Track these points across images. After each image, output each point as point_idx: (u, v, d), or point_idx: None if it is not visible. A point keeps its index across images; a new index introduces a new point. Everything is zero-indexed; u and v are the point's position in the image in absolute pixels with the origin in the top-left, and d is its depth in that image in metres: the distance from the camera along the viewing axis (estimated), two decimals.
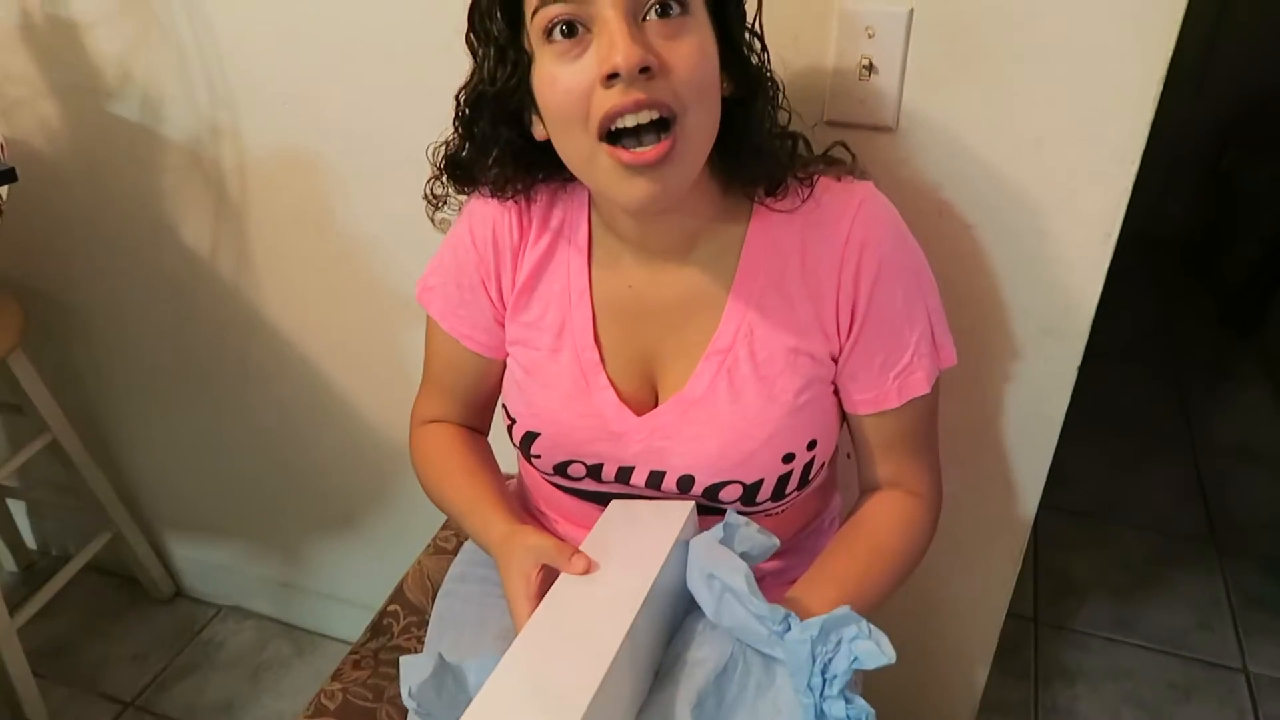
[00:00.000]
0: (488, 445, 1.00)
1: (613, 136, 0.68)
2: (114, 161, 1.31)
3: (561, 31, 0.67)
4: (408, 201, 0.90)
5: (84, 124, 1.29)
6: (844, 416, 0.87)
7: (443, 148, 0.84)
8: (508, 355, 0.90)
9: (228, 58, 1.17)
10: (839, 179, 0.81)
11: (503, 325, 0.89)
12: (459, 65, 1.01)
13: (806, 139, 0.83)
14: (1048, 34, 0.86)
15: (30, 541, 1.88)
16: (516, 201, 0.84)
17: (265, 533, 1.67)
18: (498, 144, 0.78)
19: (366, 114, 1.15)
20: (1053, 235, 0.94)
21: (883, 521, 0.87)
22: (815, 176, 0.79)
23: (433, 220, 0.89)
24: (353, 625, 1.66)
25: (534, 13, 0.68)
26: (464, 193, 0.86)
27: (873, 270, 0.78)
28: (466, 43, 0.76)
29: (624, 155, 0.68)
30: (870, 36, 0.91)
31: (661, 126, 0.67)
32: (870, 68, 0.92)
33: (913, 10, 0.89)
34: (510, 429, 0.89)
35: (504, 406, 0.91)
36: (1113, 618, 1.78)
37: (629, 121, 0.67)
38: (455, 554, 1.18)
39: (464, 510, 0.90)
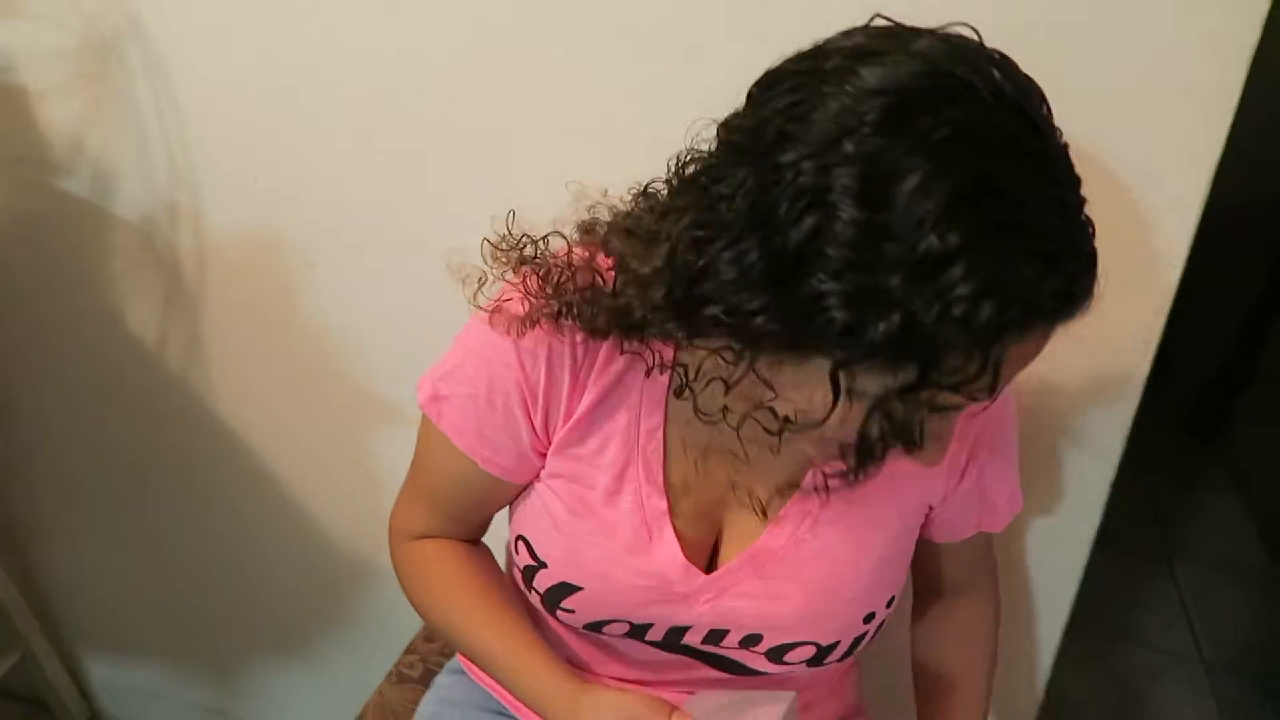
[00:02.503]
0: (493, 560, 0.86)
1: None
2: (58, 240, 1.20)
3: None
4: (383, 293, 0.80)
5: (26, 200, 1.19)
6: None
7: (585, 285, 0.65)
8: (536, 481, 0.76)
9: (193, 134, 1.08)
10: None
11: (541, 455, 0.74)
12: (446, 149, 0.94)
13: None
14: (1096, 131, 0.81)
15: None
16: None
17: (196, 653, 1.52)
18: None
19: (343, 200, 1.06)
20: (1096, 340, 0.89)
21: (979, 638, 0.89)
22: None
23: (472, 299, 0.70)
24: None
25: (928, 388, 0.52)
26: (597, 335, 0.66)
27: (994, 422, 0.75)
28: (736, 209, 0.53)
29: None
30: None
31: None
32: None
33: None
34: (530, 571, 0.75)
35: (524, 541, 0.76)
36: None
37: None
38: (420, 683, 1.06)
39: (498, 654, 0.75)
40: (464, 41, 0.93)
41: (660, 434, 0.71)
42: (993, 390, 0.52)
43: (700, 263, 0.53)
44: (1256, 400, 2.53)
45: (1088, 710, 1.77)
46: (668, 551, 0.72)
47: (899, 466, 0.67)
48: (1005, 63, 0.52)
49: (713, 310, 0.53)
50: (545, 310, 0.65)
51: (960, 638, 0.88)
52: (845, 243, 0.48)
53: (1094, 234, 0.53)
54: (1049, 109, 0.53)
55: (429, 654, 1.12)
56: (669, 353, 0.66)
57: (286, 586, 1.38)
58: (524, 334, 0.67)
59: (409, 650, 1.13)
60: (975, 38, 0.53)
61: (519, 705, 0.84)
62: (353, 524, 1.29)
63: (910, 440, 0.57)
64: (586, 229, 0.65)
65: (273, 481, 1.29)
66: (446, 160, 1.01)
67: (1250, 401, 2.57)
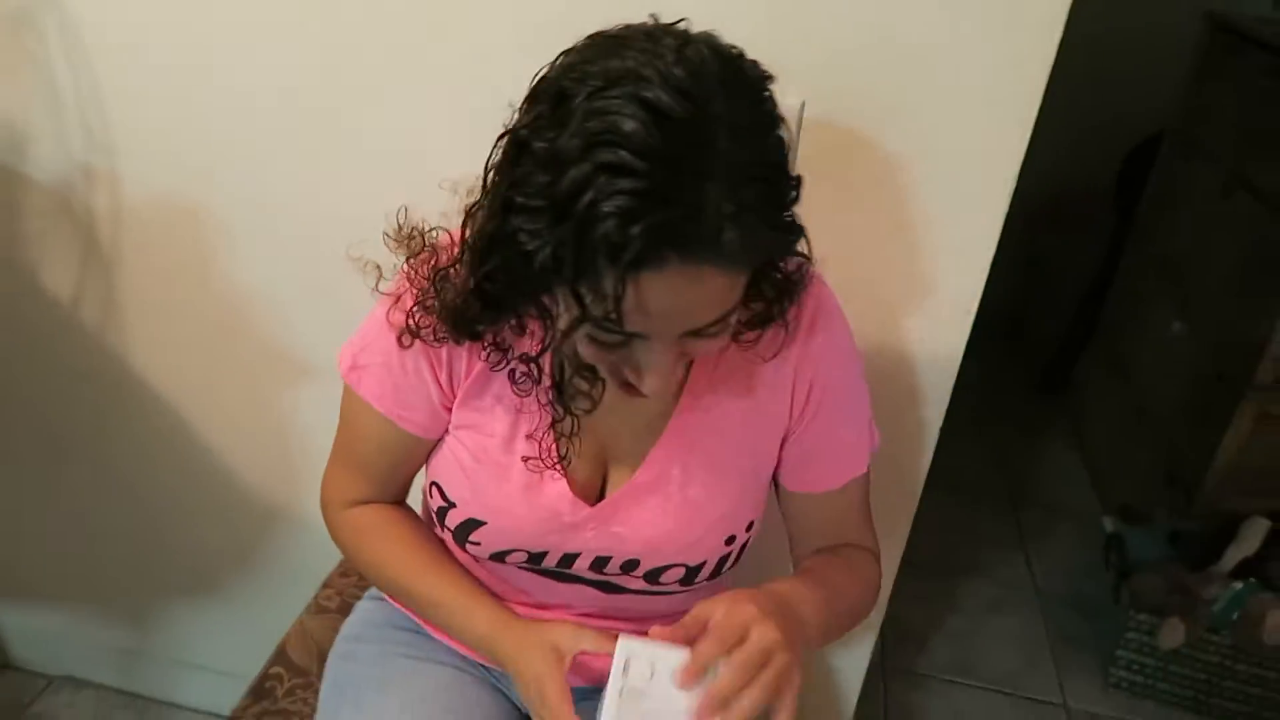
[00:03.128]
0: (420, 521, 0.96)
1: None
2: None
3: (606, 342, 0.67)
4: (298, 261, 0.87)
5: None
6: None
7: (426, 289, 0.76)
8: (445, 435, 0.87)
9: (109, 101, 1.14)
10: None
11: (448, 410, 0.85)
12: (359, 117, 1.01)
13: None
14: (917, 132, 0.97)
15: None
16: None
17: (109, 597, 1.57)
18: (505, 313, 0.73)
19: (261, 171, 1.14)
20: (921, 307, 1.05)
21: (852, 559, 0.92)
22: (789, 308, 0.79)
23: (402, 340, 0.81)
24: (204, 692, 1.60)
25: (584, 319, 0.63)
26: (457, 343, 0.79)
27: (832, 353, 0.84)
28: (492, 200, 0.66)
29: (636, 395, 0.71)
30: None
31: None
32: None
33: (804, 103, 0.97)
34: (442, 511, 0.87)
35: (436, 486, 0.88)
36: (952, 662, 1.92)
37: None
38: (338, 613, 1.16)
39: (445, 607, 0.88)
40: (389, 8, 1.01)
41: (546, 389, 0.83)
42: (648, 324, 0.63)
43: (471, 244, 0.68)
44: (1092, 362, 2.81)
45: (930, 638, 1.97)
46: (556, 488, 0.83)
47: (747, 412, 0.84)
48: (694, 59, 0.60)
49: (477, 275, 0.68)
50: (425, 305, 0.76)
51: (830, 557, 0.92)
52: (522, 189, 0.61)
53: (732, 194, 0.59)
54: (743, 97, 0.61)
55: (344, 587, 1.21)
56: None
57: (200, 534, 1.44)
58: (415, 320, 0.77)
59: (325, 585, 1.22)
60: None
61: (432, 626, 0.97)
62: (265, 474, 1.37)
63: (617, 374, 0.71)
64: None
65: (187, 435, 1.35)
66: (362, 134, 1.09)
67: (1087, 363, 2.84)
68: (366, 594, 1.07)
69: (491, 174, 0.67)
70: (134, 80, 1.12)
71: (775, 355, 0.81)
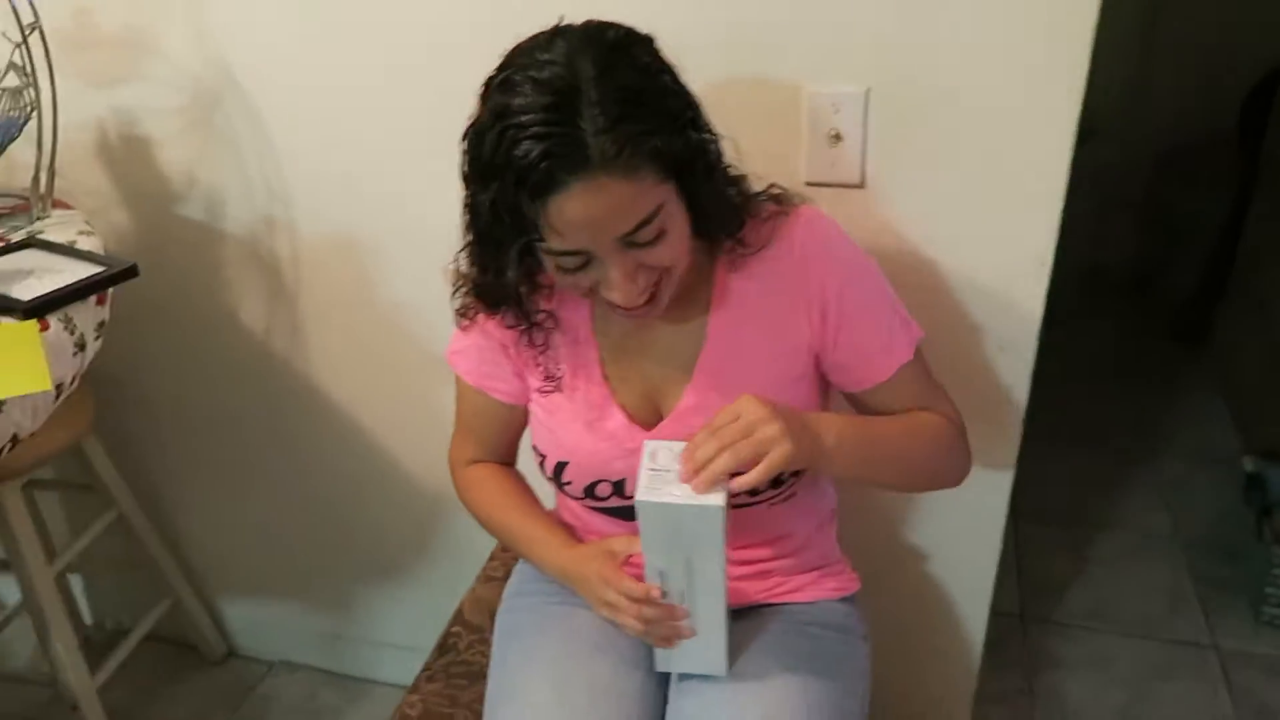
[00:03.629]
0: (524, 479, 1.16)
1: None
2: (179, 258, 1.48)
3: (569, 264, 0.84)
4: (435, 269, 1.03)
5: (153, 227, 1.47)
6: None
7: (461, 280, 0.98)
8: (530, 401, 1.07)
9: (283, 158, 1.36)
10: (782, 206, 0.97)
11: (522, 378, 1.05)
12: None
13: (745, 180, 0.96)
14: (976, 103, 1.06)
15: (86, 616, 2.00)
16: None
17: (313, 588, 1.81)
18: (503, 271, 0.89)
19: (401, 197, 1.33)
20: (999, 264, 1.14)
21: (910, 416, 1.00)
22: (765, 207, 0.95)
23: (458, 323, 1.03)
24: (397, 668, 1.80)
25: (543, 248, 0.83)
26: (490, 313, 0.98)
27: (834, 272, 0.95)
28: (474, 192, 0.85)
29: (620, 316, 0.90)
30: (836, 111, 1.11)
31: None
32: (838, 137, 1.12)
33: (869, 90, 1.09)
34: (542, 465, 1.05)
35: (535, 449, 1.07)
36: (1094, 609, 1.95)
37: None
38: (503, 581, 1.33)
39: (528, 539, 1.08)
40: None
41: (593, 344, 1.00)
42: (582, 238, 0.80)
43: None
44: (1229, 306, 2.74)
45: (1070, 587, 2.00)
46: (615, 420, 1.00)
47: (769, 337, 0.97)
48: (563, 37, 0.80)
49: (471, 251, 0.91)
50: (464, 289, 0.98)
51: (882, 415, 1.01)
52: (470, 169, 0.83)
53: (604, 115, 0.75)
54: (604, 53, 0.78)
55: (508, 560, 1.39)
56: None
57: (379, 523, 1.66)
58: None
59: (491, 558, 1.40)
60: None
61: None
62: (428, 465, 1.56)
63: (595, 295, 0.87)
64: None
65: (363, 436, 1.57)
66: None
67: (1225, 308, 2.77)
68: (521, 559, 1.23)
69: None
70: (300, 141, 1.34)
71: (778, 275, 0.95)
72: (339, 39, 1.25)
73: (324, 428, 1.58)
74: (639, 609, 0.92)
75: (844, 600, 1.11)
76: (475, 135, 0.81)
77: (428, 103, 1.25)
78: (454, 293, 1.00)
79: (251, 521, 1.75)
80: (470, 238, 0.91)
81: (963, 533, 1.33)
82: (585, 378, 1.01)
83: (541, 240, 0.81)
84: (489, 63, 0.82)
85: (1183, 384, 2.74)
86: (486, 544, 1.40)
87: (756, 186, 0.97)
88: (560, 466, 1.03)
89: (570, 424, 1.02)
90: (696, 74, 0.87)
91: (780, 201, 0.98)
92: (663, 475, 0.86)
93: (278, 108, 1.33)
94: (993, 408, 1.22)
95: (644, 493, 0.85)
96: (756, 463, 0.82)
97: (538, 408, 1.05)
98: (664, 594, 0.92)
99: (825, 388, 1.03)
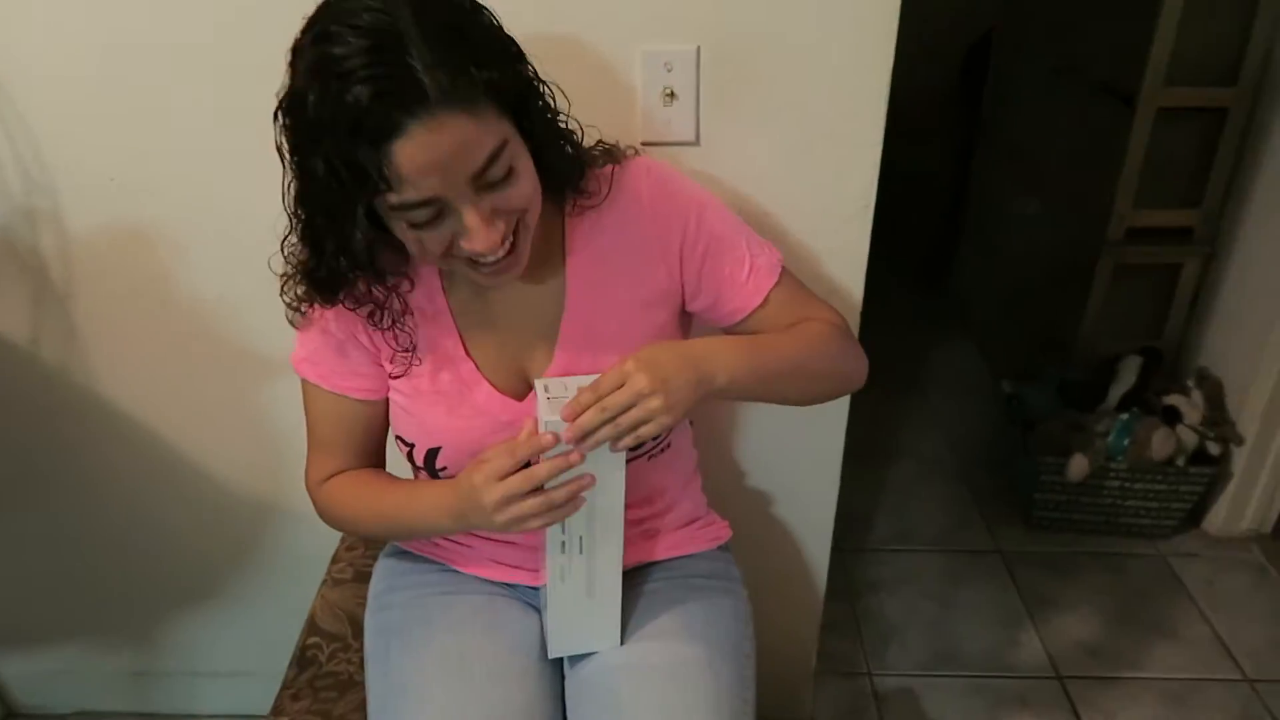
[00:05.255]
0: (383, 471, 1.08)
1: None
2: None
3: (422, 219, 0.79)
4: (251, 260, 0.96)
5: None
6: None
7: (291, 270, 0.90)
8: (389, 391, 1.00)
9: (44, 144, 1.18)
10: (618, 161, 0.97)
11: (380, 366, 0.98)
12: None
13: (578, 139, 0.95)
14: (801, 61, 1.10)
15: None
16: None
17: (110, 624, 1.61)
18: (346, 243, 0.84)
19: (205, 186, 1.20)
20: (827, 210, 1.20)
21: (796, 328, 1.00)
22: (600, 163, 0.95)
23: (294, 323, 0.96)
24: (223, 697, 1.66)
25: (391, 207, 0.78)
26: (330, 303, 0.91)
27: (683, 209, 0.96)
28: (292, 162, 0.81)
29: (482, 278, 0.86)
30: (669, 70, 1.12)
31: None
32: (672, 95, 1.13)
33: (699, 47, 1.10)
34: (411, 455, 1.00)
35: (398, 439, 1.01)
36: (894, 533, 2.13)
37: (489, 259, 0.83)
38: (355, 581, 1.25)
39: (405, 505, 0.98)
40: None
41: (448, 316, 0.96)
42: (433, 184, 0.76)
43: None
44: (966, 251, 3.06)
45: (874, 516, 2.19)
46: (483, 395, 0.96)
47: (631, 291, 0.96)
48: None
49: (301, 232, 0.86)
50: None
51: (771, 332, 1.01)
52: (293, 140, 0.79)
53: (431, 52, 0.73)
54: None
55: (354, 559, 1.30)
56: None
57: (196, 544, 1.50)
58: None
59: (334, 560, 1.31)
60: None
61: (455, 558, 1.08)
62: (249, 473, 1.43)
63: (455, 252, 0.83)
64: None
65: (165, 449, 1.40)
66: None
67: (961, 253, 3.10)
68: (383, 552, 1.16)
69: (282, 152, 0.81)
70: (64, 119, 1.16)
71: (627, 224, 0.95)
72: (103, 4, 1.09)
73: (113, 445, 1.40)
74: (531, 478, 0.83)
75: (721, 549, 1.14)
76: (294, 100, 0.76)
77: (216, 69, 1.13)
78: (283, 287, 0.91)
79: (26, 557, 1.53)
80: (301, 215, 0.84)
81: (805, 474, 1.40)
82: (444, 355, 0.96)
83: (390, 191, 0.76)
84: (283, 26, 0.76)
85: (935, 325, 3.03)
86: (322, 552, 1.31)
87: (586, 143, 0.96)
88: (432, 453, 0.97)
89: (434, 406, 0.97)
90: (530, 33, 0.86)
91: (612, 154, 0.98)
92: (561, 402, 0.84)
93: (29, 79, 1.14)
94: None
95: (549, 414, 0.83)
96: (635, 431, 0.83)
97: (398, 395, 0.99)
98: (563, 546, 0.91)
99: (688, 327, 1.04)
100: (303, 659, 1.16)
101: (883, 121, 1.14)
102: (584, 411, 0.82)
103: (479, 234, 0.80)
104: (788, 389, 1.00)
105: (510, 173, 0.81)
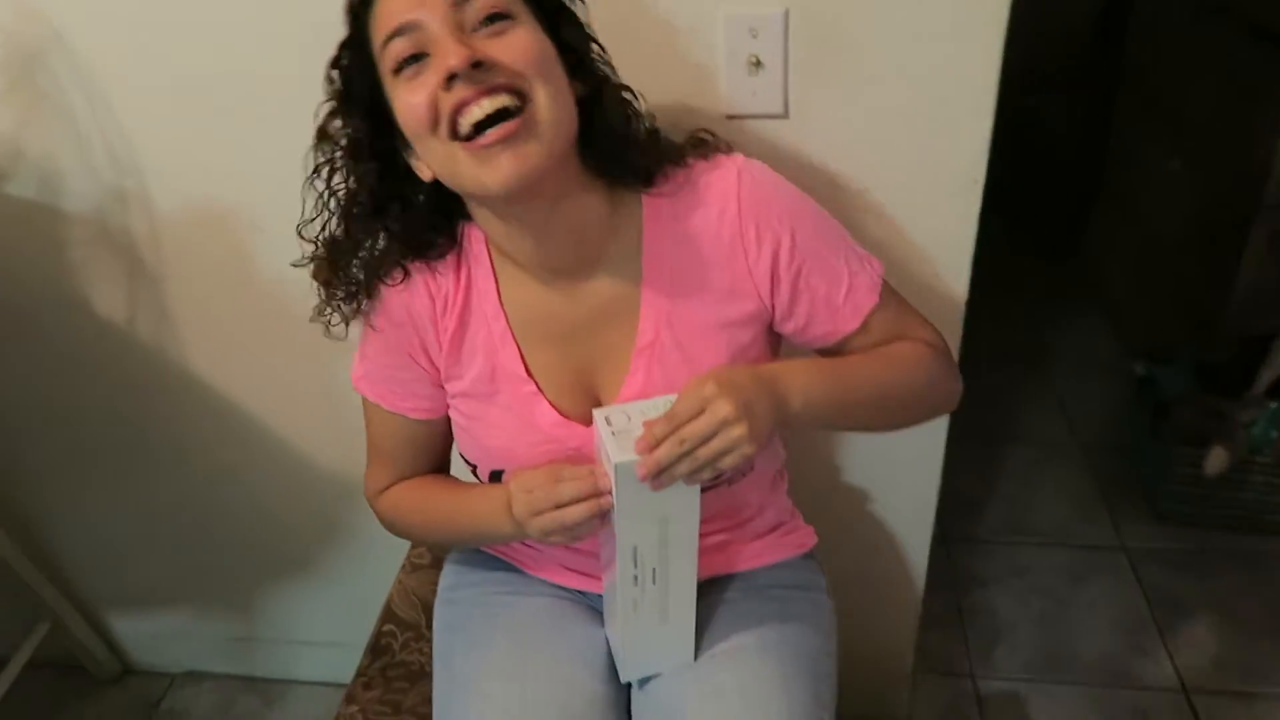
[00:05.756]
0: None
1: (468, 137, 0.75)
2: (11, 243, 1.29)
3: (407, 63, 0.76)
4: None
5: None
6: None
7: (326, 264, 0.90)
8: (449, 410, 0.96)
9: (128, 125, 1.18)
10: (708, 158, 0.89)
11: (440, 386, 0.94)
12: None
13: (662, 131, 0.90)
14: (900, 22, 0.99)
15: None
16: (420, 274, 0.89)
17: (212, 591, 1.66)
18: (379, 203, 0.85)
19: (275, 158, 1.15)
20: (931, 187, 1.09)
21: (887, 349, 0.92)
22: (688, 160, 0.88)
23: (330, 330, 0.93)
24: (318, 665, 1.69)
25: (380, 54, 0.77)
26: (371, 293, 0.90)
27: (774, 223, 0.86)
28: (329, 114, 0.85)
29: (481, 140, 0.74)
30: (754, 36, 1.03)
31: (508, 116, 0.74)
32: (758, 63, 1.04)
33: (788, 10, 1.01)
34: (475, 473, 0.96)
35: (463, 458, 0.97)
36: (1008, 523, 2.00)
37: (477, 113, 0.74)
38: (432, 568, 1.24)
39: (462, 509, 0.95)
40: None
41: (509, 337, 0.90)
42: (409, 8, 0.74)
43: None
44: (1100, 214, 2.83)
45: (985, 504, 2.05)
46: (546, 418, 0.90)
47: (713, 309, 0.88)
48: None
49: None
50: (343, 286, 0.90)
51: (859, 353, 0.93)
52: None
53: None
54: None
55: (431, 545, 1.30)
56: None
57: (286, 517, 1.52)
58: (388, 305, 0.90)
59: (414, 545, 1.30)
60: None
61: (524, 559, 1.04)
62: (331, 448, 1.43)
63: (448, 112, 0.75)
64: None
65: (253, 423, 1.42)
66: None
67: (1095, 217, 2.87)
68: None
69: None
70: (148, 100, 1.16)
71: (675, 194, 0.87)
72: None
73: (209, 415, 1.42)
74: (585, 484, 0.80)
75: (804, 556, 1.07)
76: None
77: (299, 57, 1.08)
78: (328, 293, 0.90)
79: (131, 525, 1.58)
80: (337, 193, 0.87)
81: (904, 464, 1.31)
82: (504, 374, 0.90)
83: (382, 51, 0.77)
84: None
85: (1063, 295, 2.82)
86: None
87: (677, 135, 0.90)
88: (496, 475, 0.93)
89: (496, 430, 0.92)
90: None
91: (705, 148, 0.89)
92: (629, 435, 0.78)
93: (117, 66, 1.14)
94: None
95: (620, 455, 0.76)
96: (715, 464, 0.76)
97: (457, 414, 0.94)
98: (636, 579, 0.85)
99: (777, 345, 0.96)
100: (377, 646, 1.16)
101: (995, 87, 1.02)
102: (658, 445, 0.75)
103: (446, 45, 0.73)
104: (869, 417, 0.93)
105: (505, 22, 0.76)
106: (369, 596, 1.34)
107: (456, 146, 0.76)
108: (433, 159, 0.79)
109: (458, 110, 0.74)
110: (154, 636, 1.75)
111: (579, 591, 1.03)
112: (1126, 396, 2.18)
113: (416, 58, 0.75)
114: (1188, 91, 2.22)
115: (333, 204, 0.87)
